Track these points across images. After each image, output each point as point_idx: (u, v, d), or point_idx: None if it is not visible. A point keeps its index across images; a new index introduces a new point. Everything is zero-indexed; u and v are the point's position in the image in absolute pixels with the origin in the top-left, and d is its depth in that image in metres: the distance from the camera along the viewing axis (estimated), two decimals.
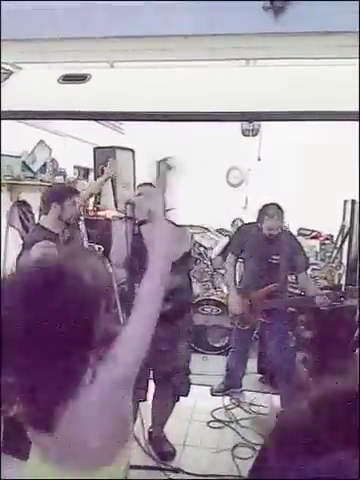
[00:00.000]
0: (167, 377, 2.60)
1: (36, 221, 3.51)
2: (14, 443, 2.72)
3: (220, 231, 5.91)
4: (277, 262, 3.26)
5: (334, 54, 2.00)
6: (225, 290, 4.85)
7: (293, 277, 3.54)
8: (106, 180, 3.55)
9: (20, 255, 2.75)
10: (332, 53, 1.96)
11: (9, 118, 2.63)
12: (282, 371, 3.36)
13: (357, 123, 2.22)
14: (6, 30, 2.01)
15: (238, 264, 3.68)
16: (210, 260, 5.20)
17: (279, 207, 3.26)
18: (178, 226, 2.65)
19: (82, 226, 3.64)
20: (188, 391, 2.71)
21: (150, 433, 2.84)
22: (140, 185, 2.73)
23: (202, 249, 5.42)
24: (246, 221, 5.32)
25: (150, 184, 2.65)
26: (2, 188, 4.13)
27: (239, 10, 1.79)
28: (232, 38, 1.91)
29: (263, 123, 4.81)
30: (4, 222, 4.03)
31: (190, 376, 2.74)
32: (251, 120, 4.08)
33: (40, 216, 3.76)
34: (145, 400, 2.60)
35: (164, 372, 2.59)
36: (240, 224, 5.54)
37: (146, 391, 2.58)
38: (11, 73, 2.77)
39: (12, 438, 2.76)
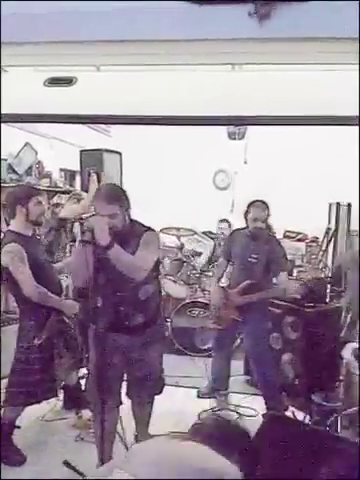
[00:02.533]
0: (140, 380, 2.57)
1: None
2: (7, 452, 2.70)
3: (207, 234, 5.94)
4: (256, 261, 3.34)
5: (318, 59, 2.04)
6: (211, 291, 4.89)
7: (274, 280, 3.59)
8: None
9: None
10: (315, 58, 2.00)
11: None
12: (257, 372, 3.41)
13: (356, 128, 2.27)
14: None
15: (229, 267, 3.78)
16: (195, 267, 5.22)
17: (264, 202, 3.42)
18: (144, 227, 2.44)
19: (77, 230, 3.63)
20: (162, 389, 2.70)
21: (136, 436, 2.83)
22: (99, 188, 2.62)
23: (189, 252, 5.44)
24: (233, 224, 5.39)
25: (112, 185, 2.59)
26: None
27: (226, 15, 1.82)
28: (218, 43, 1.93)
29: (249, 126, 4.86)
30: None
31: (164, 375, 2.73)
32: (237, 124, 4.12)
33: (7, 221, 3.73)
34: (121, 403, 2.58)
35: (137, 376, 2.57)
36: (227, 226, 5.60)
37: (120, 395, 2.57)
38: None
39: (4, 447, 2.73)
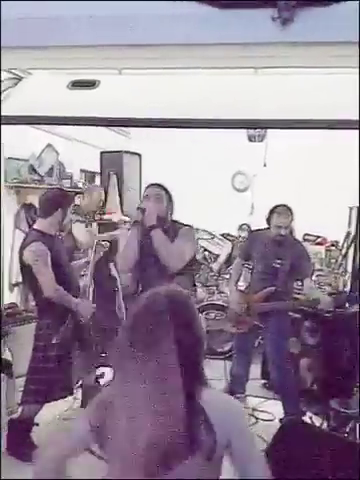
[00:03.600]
0: None
1: None
2: (18, 446, 2.75)
3: (225, 236, 5.92)
4: (280, 266, 3.29)
5: (341, 64, 2.02)
6: (228, 294, 4.87)
7: (299, 283, 3.55)
8: None
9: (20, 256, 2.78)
10: (339, 63, 1.98)
11: (18, 123, 2.66)
12: (276, 377, 3.37)
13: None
14: (17, 37, 2.05)
15: (245, 269, 3.74)
16: (212, 269, 5.21)
17: (288, 207, 3.34)
18: (184, 225, 2.69)
19: (95, 229, 3.68)
20: None
21: None
22: (148, 186, 2.75)
23: (207, 253, 5.43)
24: (252, 226, 5.35)
25: (159, 185, 2.68)
26: (10, 191, 4.18)
27: (246, 19, 1.82)
28: (240, 47, 1.93)
29: (269, 129, 4.83)
30: (5, 224, 4.06)
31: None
32: (255, 128, 4.10)
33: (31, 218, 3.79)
34: None
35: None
36: (247, 230, 5.56)
37: None
38: (21, 79, 2.81)
39: (16, 441, 2.78)
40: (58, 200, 2.83)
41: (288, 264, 3.27)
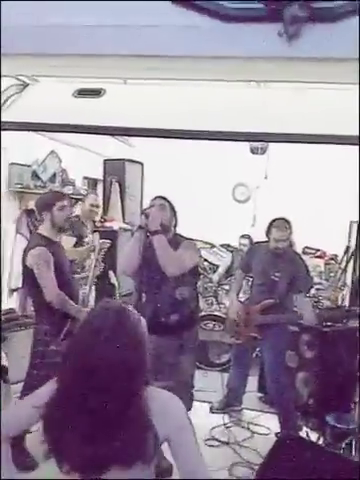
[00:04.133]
0: (170, 391, 2.58)
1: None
2: (18, 456, 2.72)
3: (225, 246, 5.92)
4: (278, 279, 3.29)
5: (349, 79, 2.03)
6: (228, 305, 4.86)
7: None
8: None
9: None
10: (341, 79, 2.00)
11: (23, 129, 2.68)
12: (273, 390, 3.35)
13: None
14: (26, 43, 2.08)
15: (246, 281, 3.75)
16: (212, 280, 5.21)
17: (287, 221, 3.35)
18: (187, 239, 2.69)
19: (96, 237, 3.67)
20: (190, 406, 2.70)
21: None
22: (154, 198, 2.77)
23: (207, 264, 5.43)
24: (253, 237, 5.36)
25: (164, 198, 2.70)
26: (12, 196, 4.19)
27: (251, 33, 1.84)
28: (244, 60, 1.95)
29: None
30: (8, 229, 4.07)
31: (193, 391, 2.74)
32: (257, 141, 4.13)
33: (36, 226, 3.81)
34: None
35: (167, 386, 2.58)
36: (248, 241, 5.57)
37: None
38: (27, 85, 2.84)
39: (15, 451, 2.75)
40: (45, 201, 2.84)
41: (287, 277, 3.27)
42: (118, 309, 1.23)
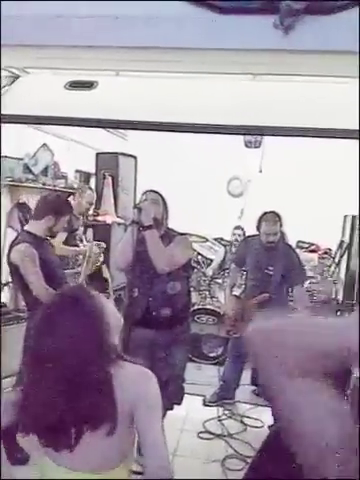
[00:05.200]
0: (162, 385, 2.58)
1: None
2: (10, 451, 2.71)
3: (219, 240, 5.92)
4: (272, 273, 3.30)
5: (344, 72, 2.02)
6: (222, 299, 4.86)
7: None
8: None
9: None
10: (339, 71, 1.98)
11: (15, 122, 2.64)
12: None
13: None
14: (16, 35, 2.03)
15: (241, 275, 3.76)
16: (205, 274, 5.21)
17: (277, 214, 3.35)
18: (180, 234, 2.68)
19: (90, 233, 3.66)
20: (182, 399, 2.71)
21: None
22: (146, 192, 2.74)
23: (200, 258, 5.42)
24: (246, 231, 5.36)
25: (156, 192, 2.68)
26: (3, 190, 4.14)
27: (245, 25, 1.81)
28: (239, 53, 1.92)
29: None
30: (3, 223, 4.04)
31: (184, 385, 2.74)
32: (253, 134, 4.11)
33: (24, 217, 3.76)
34: None
35: (160, 380, 2.58)
36: (242, 233, 5.58)
37: None
38: (17, 77, 2.79)
39: (7, 446, 2.74)
40: (53, 206, 2.78)
41: (280, 271, 3.28)
42: (71, 292, 1.28)
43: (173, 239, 2.61)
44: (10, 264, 2.71)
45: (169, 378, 2.55)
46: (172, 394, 2.62)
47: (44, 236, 2.82)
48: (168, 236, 2.64)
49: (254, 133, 3.72)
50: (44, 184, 4.42)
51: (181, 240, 2.66)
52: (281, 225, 3.35)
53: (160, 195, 2.71)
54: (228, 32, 1.84)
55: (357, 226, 4.62)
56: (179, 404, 2.71)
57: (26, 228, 2.83)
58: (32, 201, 4.26)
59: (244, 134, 4.10)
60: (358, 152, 3.35)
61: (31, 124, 3.56)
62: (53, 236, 2.92)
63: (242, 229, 5.84)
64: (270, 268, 3.32)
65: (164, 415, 2.74)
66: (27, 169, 4.37)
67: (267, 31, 1.64)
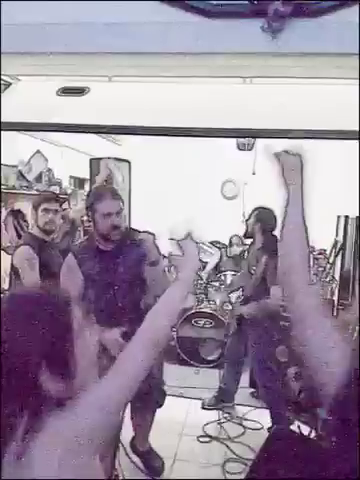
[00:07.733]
0: (142, 392, 2.53)
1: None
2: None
3: (213, 243, 5.92)
4: (254, 272, 3.31)
5: (332, 74, 2.04)
6: (218, 302, 4.87)
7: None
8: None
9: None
10: (328, 73, 2.01)
11: (8, 129, 2.65)
12: (262, 384, 3.37)
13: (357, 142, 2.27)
14: (8, 43, 2.04)
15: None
16: (201, 277, 5.21)
17: (261, 208, 3.37)
18: (140, 232, 2.35)
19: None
20: (163, 402, 2.69)
21: (134, 446, 2.81)
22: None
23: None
24: (240, 234, 5.36)
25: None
26: None
27: (236, 30, 1.83)
28: (229, 56, 1.94)
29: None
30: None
31: (165, 387, 2.72)
32: (246, 137, 4.15)
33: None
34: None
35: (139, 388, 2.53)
36: (240, 242, 5.60)
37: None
38: (10, 84, 2.80)
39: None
40: (33, 202, 2.90)
41: (260, 270, 3.26)
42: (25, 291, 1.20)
43: (137, 237, 2.29)
44: (12, 267, 2.77)
45: (148, 385, 2.50)
46: (153, 399, 2.58)
47: (46, 238, 2.85)
48: (129, 234, 2.37)
49: (246, 136, 3.75)
50: (38, 191, 4.42)
51: (147, 238, 2.27)
52: (269, 223, 3.26)
53: (110, 186, 2.48)
54: (218, 36, 1.86)
55: (350, 226, 4.65)
56: (160, 407, 2.69)
57: (29, 230, 2.93)
58: (26, 208, 4.26)
59: (237, 137, 4.12)
60: (358, 152, 3.38)
61: (24, 131, 3.57)
62: (48, 233, 2.90)
63: (239, 237, 5.77)
64: (253, 268, 3.35)
65: (151, 419, 2.73)
66: (21, 176, 4.37)
67: (256, 34, 1.66)
